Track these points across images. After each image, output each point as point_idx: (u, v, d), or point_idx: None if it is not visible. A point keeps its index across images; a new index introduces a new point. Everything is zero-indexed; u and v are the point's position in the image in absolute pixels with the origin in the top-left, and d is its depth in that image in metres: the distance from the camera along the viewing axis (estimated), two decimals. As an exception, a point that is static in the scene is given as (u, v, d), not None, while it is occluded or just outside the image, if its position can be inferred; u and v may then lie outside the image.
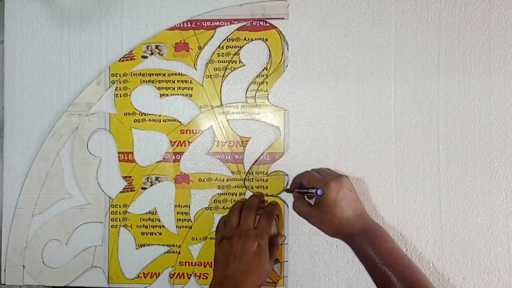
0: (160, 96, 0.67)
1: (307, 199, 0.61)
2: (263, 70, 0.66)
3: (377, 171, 0.65)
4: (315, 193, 0.57)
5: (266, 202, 0.65)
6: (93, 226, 0.67)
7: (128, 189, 0.67)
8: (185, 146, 0.67)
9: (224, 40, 0.66)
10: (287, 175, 0.65)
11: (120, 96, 0.67)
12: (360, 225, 0.57)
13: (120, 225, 0.67)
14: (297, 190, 0.61)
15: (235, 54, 0.66)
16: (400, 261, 0.55)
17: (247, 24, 0.66)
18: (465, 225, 0.64)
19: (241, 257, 0.57)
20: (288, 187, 0.65)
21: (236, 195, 0.66)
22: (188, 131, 0.67)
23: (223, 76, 0.66)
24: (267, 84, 0.66)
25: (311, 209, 0.59)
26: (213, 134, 0.66)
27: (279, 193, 0.65)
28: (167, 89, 0.67)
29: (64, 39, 0.68)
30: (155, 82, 0.67)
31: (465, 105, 0.64)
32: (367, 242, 0.56)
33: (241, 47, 0.66)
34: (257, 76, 0.66)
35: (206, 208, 0.67)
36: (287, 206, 0.65)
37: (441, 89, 0.64)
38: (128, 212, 0.67)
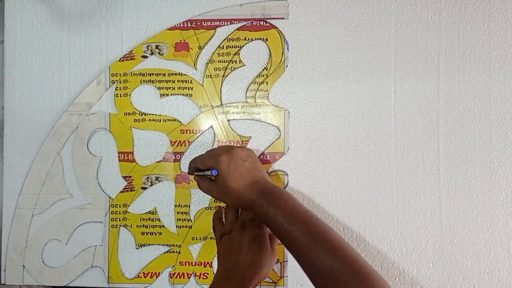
0: (160, 96, 0.67)
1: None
2: (263, 70, 0.66)
3: (377, 171, 0.65)
4: (211, 174, 0.58)
5: None
6: (93, 226, 0.67)
7: (128, 189, 0.67)
8: (185, 146, 0.67)
9: (224, 40, 0.66)
10: (287, 174, 0.66)
11: (120, 96, 0.67)
12: (259, 191, 0.57)
13: (120, 225, 0.67)
14: (196, 173, 0.61)
15: (235, 54, 0.66)
16: (301, 217, 0.54)
17: (247, 24, 0.66)
18: (465, 225, 0.64)
19: (241, 248, 0.58)
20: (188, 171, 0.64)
21: (236, 195, 0.66)
22: (188, 131, 0.67)
23: (223, 76, 0.66)
24: (267, 84, 0.66)
25: (210, 184, 0.59)
26: (213, 134, 0.66)
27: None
28: (167, 89, 0.67)
29: (64, 39, 0.68)
30: (155, 82, 0.67)
31: (465, 105, 0.64)
32: (267, 205, 0.55)
33: (241, 47, 0.66)
34: (257, 76, 0.66)
35: (206, 208, 0.67)
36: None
37: (441, 89, 0.64)
38: (128, 212, 0.67)
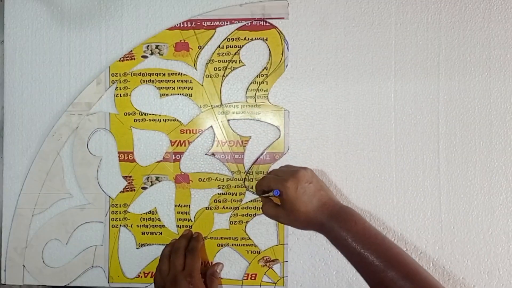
0: (160, 96, 0.67)
1: (274, 200, 0.61)
2: (263, 70, 0.66)
3: (377, 171, 0.65)
4: (273, 195, 0.58)
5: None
6: (93, 225, 0.67)
7: (128, 189, 0.67)
8: (185, 146, 0.67)
9: (224, 39, 0.66)
10: (287, 175, 0.65)
11: (120, 96, 0.67)
12: (328, 213, 0.57)
13: (120, 225, 0.67)
14: (261, 195, 0.62)
15: (235, 54, 0.66)
16: (373, 240, 0.54)
17: (247, 24, 0.66)
18: (465, 225, 0.64)
19: None
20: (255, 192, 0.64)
21: (236, 194, 0.66)
22: (188, 131, 0.67)
23: (223, 76, 0.66)
24: (267, 84, 0.66)
25: (277, 209, 0.59)
26: (213, 134, 0.66)
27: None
28: (167, 89, 0.67)
29: (64, 39, 0.68)
30: (155, 82, 0.67)
31: (465, 105, 0.64)
32: (338, 227, 0.56)
33: (241, 47, 0.66)
34: (257, 76, 0.66)
35: (206, 208, 0.67)
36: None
37: (441, 89, 0.64)
38: (129, 212, 0.67)
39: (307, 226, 0.58)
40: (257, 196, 0.66)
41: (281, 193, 0.57)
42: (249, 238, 0.66)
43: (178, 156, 0.67)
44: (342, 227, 0.55)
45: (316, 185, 0.59)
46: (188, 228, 0.67)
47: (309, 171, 0.60)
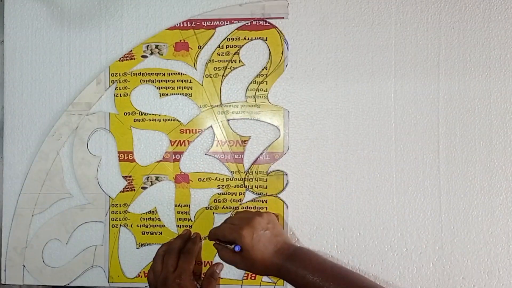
0: (160, 95, 0.67)
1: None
2: (263, 69, 0.66)
3: (377, 171, 0.65)
4: (235, 250, 0.58)
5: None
6: (93, 225, 0.67)
7: (128, 189, 0.67)
8: (185, 145, 0.67)
9: (224, 39, 0.66)
10: (286, 174, 0.65)
11: (120, 96, 0.67)
12: (283, 257, 0.58)
13: (120, 225, 0.67)
14: (217, 243, 0.62)
15: (235, 54, 0.66)
16: (330, 272, 0.57)
17: (247, 23, 0.66)
18: (465, 225, 0.64)
19: None
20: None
21: (235, 194, 0.66)
22: (188, 131, 0.67)
23: (223, 75, 0.66)
24: (267, 84, 0.66)
25: (234, 256, 0.60)
26: (212, 133, 0.66)
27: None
28: (167, 89, 0.67)
29: (64, 39, 0.68)
30: (155, 81, 0.67)
31: (465, 105, 0.64)
32: (295, 268, 0.57)
33: (241, 47, 0.66)
34: (257, 75, 0.66)
35: (206, 207, 0.67)
36: (287, 206, 0.65)
37: (441, 89, 0.64)
38: (129, 212, 0.67)
39: (265, 270, 0.59)
40: (257, 196, 0.66)
41: (240, 249, 0.58)
42: (249, 238, 0.66)
43: (178, 156, 0.67)
44: (298, 267, 0.57)
45: (272, 231, 0.60)
46: (188, 228, 0.67)
47: (265, 217, 0.60)
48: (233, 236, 0.58)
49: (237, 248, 0.58)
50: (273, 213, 0.64)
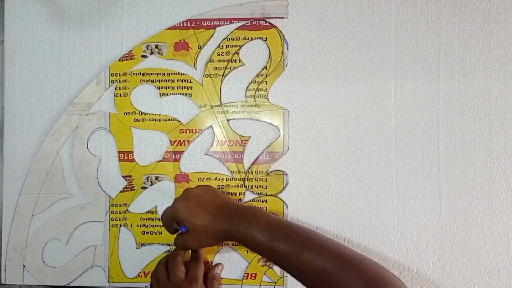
0: (160, 95, 0.67)
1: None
2: (262, 69, 0.66)
3: (377, 171, 0.65)
4: (182, 231, 0.57)
5: None
6: (93, 225, 0.67)
7: (128, 189, 0.67)
8: (184, 145, 0.67)
9: (224, 39, 0.66)
10: (286, 174, 0.65)
11: (120, 96, 0.67)
12: (228, 218, 0.55)
13: (120, 225, 0.67)
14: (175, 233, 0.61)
15: (234, 54, 0.66)
16: (280, 229, 0.53)
17: (247, 23, 0.66)
18: (465, 225, 0.64)
19: None
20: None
21: (235, 194, 0.66)
22: (187, 131, 0.67)
23: (223, 75, 0.66)
24: (266, 84, 0.66)
25: (183, 236, 0.58)
26: (212, 133, 0.66)
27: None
28: (166, 89, 0.67)
29: (64, 39, 0.68)
30: (154, 81, 0.67)
31: (465, 105, 0.64)
32: (243, 229, 0.54)
33: (240, 47, 0.66)
34: (256, 75, 0.66)
35: (206, 207, 0.67)
36: (287, 206, 0.65)
37: (441, 89, 0.64)
38: (129, 212, 0.67)
39: (216, 237, 0.56)
40: (257, 196, 0.66)
41: (186, 230, 0.56)
42: (249, 238, 0.66)
43: (177, 156, 0.67)
44: (246, 227, 0.54)
45: (210, 196, 0.58)
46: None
47: (200, 188, 0.59)
48: (171, 213, 0.57)
49: (183, 229, 0.57)
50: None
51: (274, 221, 0.55)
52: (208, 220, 0.55)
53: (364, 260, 0.50)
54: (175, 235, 0.60)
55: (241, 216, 0.55)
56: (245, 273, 0.66)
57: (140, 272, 0.67)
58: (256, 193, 0.66)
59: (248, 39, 0.66)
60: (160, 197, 0.67)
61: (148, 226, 0.67)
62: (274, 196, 0.66)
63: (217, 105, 0.66)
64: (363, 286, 0.47)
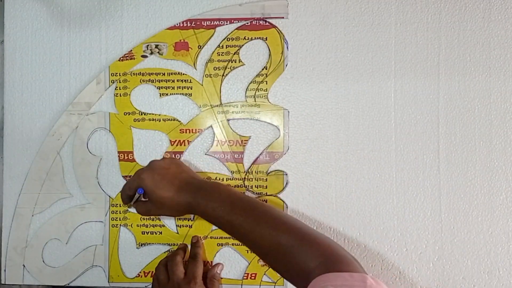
0: (160, 95, 0.67)
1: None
2: (262, 69, 0.66)
3: (377, 171, 0.65)
4: (138, 193, 0.59)
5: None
6: (93, 225, 0.67)
7: (128, 189, 0.67)
8: (184, 145, 0.67)
9: (224, 39, 0.66)
10: (286, 174, 0.65)
11: (120, 96, 0.67)
12: (192, 191, 0.57)
13: (120, 225, 0.67)
14: (130, 202, 0.62)
15: (234, 54, 0.66)
16: (239, 204, 0.56)
17: (247, 23, 0.66)
18: (465, 225, 0.64)
19: None
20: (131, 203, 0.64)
21: (236, 194, 0.66)
22: (187, 131, 0.67)
23: (223, 75, 0.66)
24: (266, 84, 0.66)
25: (146, 205, 0.60)
26: (212, 133, 0.66)
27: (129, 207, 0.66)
28: (166, 89, 0.67)
29: (64, 39, 0.68)
30: (154, 81, 0.67)
31: (465, 105, 0.64)
32: (204, 202, 0.56)
33: (240, 47, 0.66)
34: (256, 75, 0.66)
35: (206, 207, 0.67)
36: (287, 206, 0.65)
37: (441, 89, 0.64)
38: (129, 212, 0.67)
39: (178, 210, 0.58)
40: (257, 196, 0.66)
41: (143, 191, 0.58)
42: (249, 238, 0.66)
43: (178, 156, 0.67)
44: (208, 200, 0.56)
45: (176, 169, 0.59)
46: (188, 227, 0.67)
47: (166, 160, 0.61)
48: (136, 182, 0.58)
49: (139, 191, 0.58)
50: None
51: (235, 196, 0.57)
52: (172, 192, 0.57)
53: (318, 237, 0.52)
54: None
55: (204, 190, 0.57)
56: (245, 273, 0.66)
57: (140, 272, 0.67)
58: (256, 193, 0.66)
59: (248, 39, 0.66)
60: (160, 197, 0.67)
61: (148, 226, 0.67)
62: (274, 196, 0.66)
63: (217, 105, 0.66)
64: (317, 264, 0.48)
